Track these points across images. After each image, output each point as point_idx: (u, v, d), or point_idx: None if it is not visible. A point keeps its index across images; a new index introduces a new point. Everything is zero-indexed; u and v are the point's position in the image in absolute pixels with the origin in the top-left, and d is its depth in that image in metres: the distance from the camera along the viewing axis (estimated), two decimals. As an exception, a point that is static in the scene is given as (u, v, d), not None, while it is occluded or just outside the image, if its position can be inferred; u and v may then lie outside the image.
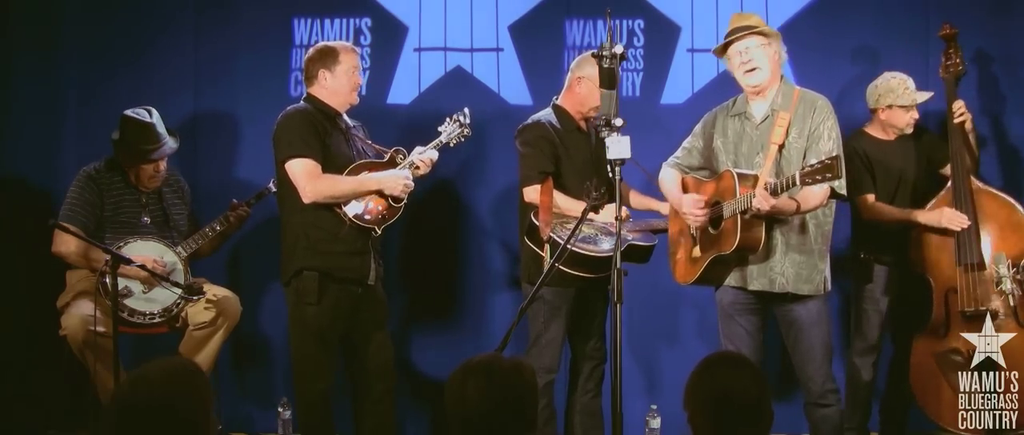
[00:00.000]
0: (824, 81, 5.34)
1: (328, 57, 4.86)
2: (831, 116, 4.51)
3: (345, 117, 4.93)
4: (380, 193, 4.79)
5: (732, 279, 4.57)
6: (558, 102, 5.03)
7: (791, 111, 4.48)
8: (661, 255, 4.96)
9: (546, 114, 5.00)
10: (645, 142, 4.90)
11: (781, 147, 4.46)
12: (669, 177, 4.74)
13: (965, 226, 5.00)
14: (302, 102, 4.87)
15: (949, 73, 5.22)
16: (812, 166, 4.17)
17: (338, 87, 4.85)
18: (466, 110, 5.06)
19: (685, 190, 4.68)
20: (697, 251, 4.59)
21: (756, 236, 4.40)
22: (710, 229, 4.52)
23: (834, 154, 4.24)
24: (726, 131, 4.60)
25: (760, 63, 4.49)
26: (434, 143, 4.98)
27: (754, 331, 4.61)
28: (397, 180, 4.79)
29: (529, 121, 5.00)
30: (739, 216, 4.36)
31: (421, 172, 4.90)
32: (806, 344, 4.54)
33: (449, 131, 5.02)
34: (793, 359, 4.61)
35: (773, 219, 4.43)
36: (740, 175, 4.42)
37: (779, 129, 4.45)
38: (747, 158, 4.53)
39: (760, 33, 4.50)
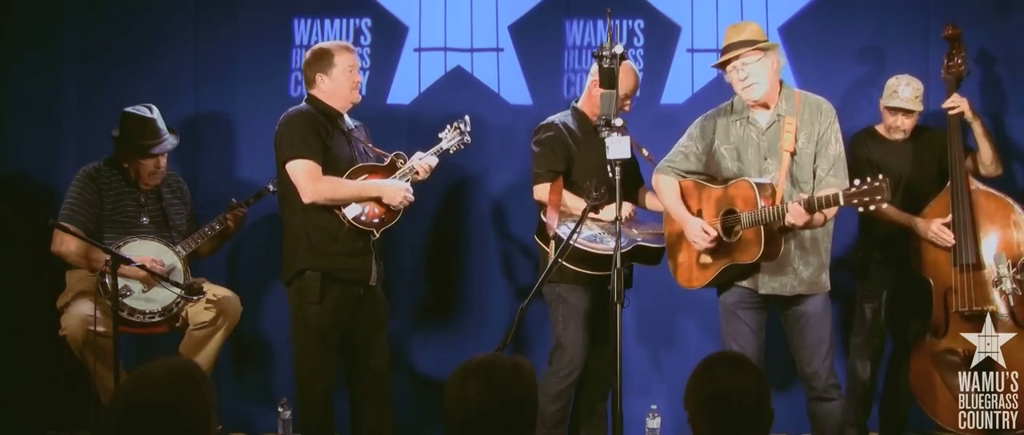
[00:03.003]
0: (824, 82, 5.35)
1: (323, 59, 4.84)
2: (836, 120, 4.50)
3: (347, 118, 4.93)
4: (379, 201, 4.80)
5: (741, 281, 4.55)
6: (577, 105, 5.02)
7: (796, 116, 4.45)
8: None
9: (563, 116, 4.99)
10: (645, 142, 4.92)
11: (792, 154, 4.43)
12: (667, 185, 4.66)
13: (949, 245, 4.99)
14: (303, 103, 4.86)
15: (950, 74, 5.18)
16: (858, 188, 4.12)
17: (337, 88, 4.84)
18: (466, 118, 5.06)
19: (685, 195, 4.63)
20: (706, 258, 4.54)
21: (778, 247, 4.37)
22: (723, 237, 4.48)
23: (880, 177, 4.12)
24: (729, 135, 4.56)
25: (758, 79, 4.44)
26: (434, 150, 4.98)
27: (758, 329, 4.60)
28: (397, 191, 4.79)
29: (544, 121, 4.98)
30: (762, 227, 4.34)
31: (420, 178, 4.90)
32: (812, 338, 4.53)
33: (449, 138, 5.02)
34: (797, 354, 4.59)
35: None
36: (759, 185, 4.36)
37: (788, 135, 4.42)
38: (754, 163, 4.49)
39: (757, 48, 4.44)
